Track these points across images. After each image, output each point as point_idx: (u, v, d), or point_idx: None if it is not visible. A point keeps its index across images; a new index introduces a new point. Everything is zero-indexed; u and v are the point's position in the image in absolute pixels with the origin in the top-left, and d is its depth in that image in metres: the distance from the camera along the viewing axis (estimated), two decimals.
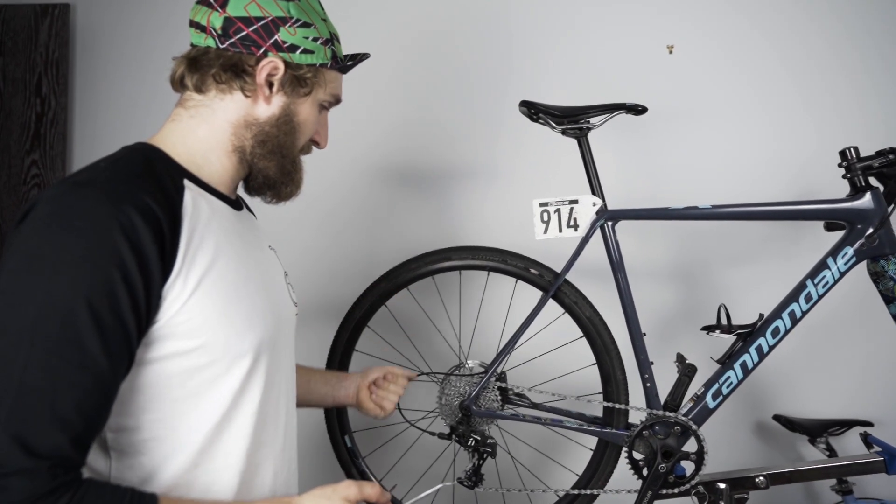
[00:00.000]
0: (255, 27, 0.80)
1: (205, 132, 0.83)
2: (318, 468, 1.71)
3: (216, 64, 0.80)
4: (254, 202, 0.98)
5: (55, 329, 0.63)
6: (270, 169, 0.86)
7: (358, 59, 0.93)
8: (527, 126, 1.49)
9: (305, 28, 0.83)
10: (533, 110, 1.39)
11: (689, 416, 1.37)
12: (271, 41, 0.81)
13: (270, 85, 0.83)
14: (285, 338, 0.90)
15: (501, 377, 1.45)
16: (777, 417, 1.71)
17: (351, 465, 1.49)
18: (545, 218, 1.40)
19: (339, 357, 1.48)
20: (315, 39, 0.85)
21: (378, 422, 1.56)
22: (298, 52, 0.83)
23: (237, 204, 0.90)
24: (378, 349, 1.65)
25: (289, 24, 0.82)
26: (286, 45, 0.82)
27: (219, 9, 0.80)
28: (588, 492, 1.41)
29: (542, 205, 1.40)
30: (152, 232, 0.68)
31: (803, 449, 1.76)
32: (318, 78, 0.87)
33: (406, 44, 1.89)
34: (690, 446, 1.36)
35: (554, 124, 1.39)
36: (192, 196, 0.77)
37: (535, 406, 1.46)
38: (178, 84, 0.84)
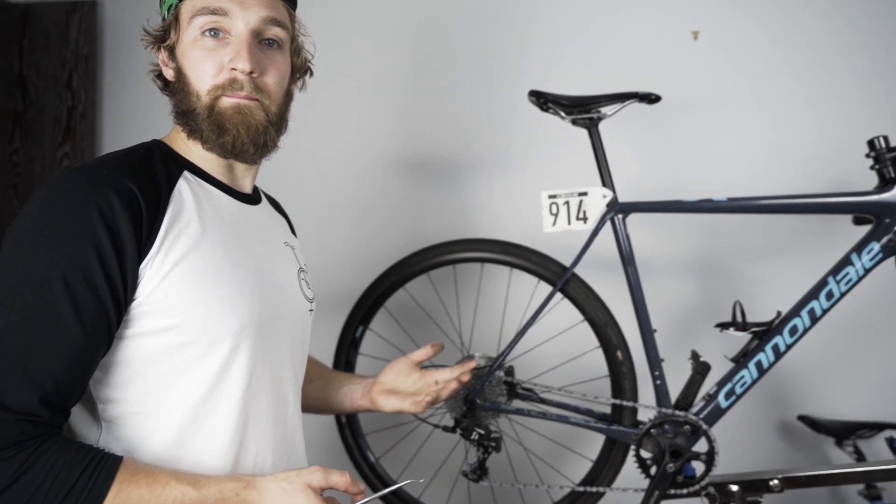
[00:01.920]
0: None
1: (178, 128, 0.88)
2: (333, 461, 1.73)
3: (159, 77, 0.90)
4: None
5: (32, 297, 0.68)
6: (205, 133, 0.83)
7: None
8: (537, 116, 1.46)
9: None
10: (542, 100, 1.36)
11: (700, 416, 1.32)
12: (153, 34, 0.88)
13: (165, 64, 0.87)
14: (287, 330, 0.90)
15: (509, 371, 1.44)
16: (802, 418, 1.64)
17: (357, 452, 1.50)
18: (554, 210, 1.37)
19: (346, 354, 1.49)
20: None
21: (389, 420, 1.57)
22: (162, 18, 0.87)
23: (250, 198, 0.92)
24: (378, 348, 1.66)
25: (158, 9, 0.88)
26: (158, 28, 0.87)
27: None
28: (594, 489, 1.38)
29: (550, 197, 1.37)
30: (129, 213, 0.72)
31: (830, 452, 1.68)
32: (180, 16, 0.84)
33: (415, 33, 1.88)
34: (702, 446, 1.32)
35: (564, 114, 1.36)
36: (185, 185, 0.81)
37: (543, 401, 1.44)
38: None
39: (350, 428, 1.49)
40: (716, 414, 1.33)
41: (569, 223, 1.36)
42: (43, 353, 0.68)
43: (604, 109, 1.34)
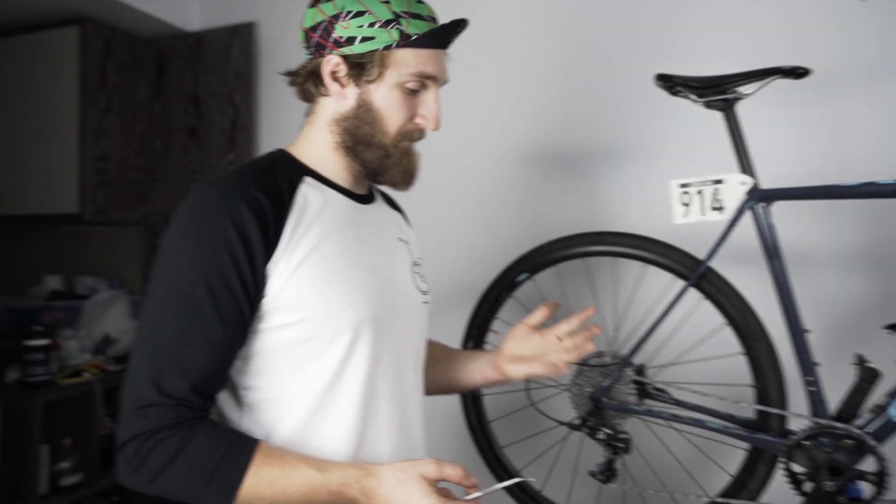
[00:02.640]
0: (318, 32, 0.88)
1: (316, 135, 0.93)
2: (458, 457, 1.77)
3: (304, 74, 0.91)
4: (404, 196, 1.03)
5: (181, 300, 0.78)
6: (368, 158, 0.90)
7: (447, 29, 0.88)
8: (665, 101, 1.37)
9: (359, 17, 0.86)
10: (670, 83, 1.28)
11: (867, 430, 1.16)
12: (331, 40, 0.87)
13: (338, 81, 0.89)
14: (403, 322, 0.95)
15: (639, 370, 1.37)
16: None
17: (489, 452, 1.52)
18: (685, 200, 1.28)
19: (475, 336, 1.52)
20: (372, 24, 0.85)
21: (513, 408, 1.58)
22: (357, 42, 0.86)
23: (365, 198, 0.98)
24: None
25: (342, 19, 0.86)
26: (343, 39, 0.86)
27: (301, 25, 0.91)
28: (737, 502, 1.28)
29: (681, 186, 1.28)
30: (257, 221, 0.80)
31: None
32: (387, 61, 0.86)
33: (536, 22, 1.85)
34: (870, 465, 1.16)
35: (695, 97, 1.26)
36: (307, 190, 0.88)
37: (677, 403, 1.36)
38: (302, 98, 0.96)
39: (477, 416, 1.51)
40: (888, 429, 1.16)
41: (703, 213, 1.26)
42: (192, 348, 0.77)
43: (741, 89, 1.22)
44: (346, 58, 0.87)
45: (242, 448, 0.77)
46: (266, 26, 2.32)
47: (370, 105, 0.88)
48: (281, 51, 2.29)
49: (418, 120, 0.90)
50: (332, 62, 0.88)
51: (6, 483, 1.96)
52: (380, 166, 0.91)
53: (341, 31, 0.86)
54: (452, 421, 1.73)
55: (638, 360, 1.38)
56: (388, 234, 0.99)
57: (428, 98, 0.90)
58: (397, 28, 0.86)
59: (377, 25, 0.86)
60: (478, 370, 1.14)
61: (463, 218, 1.93)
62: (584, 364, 1.41)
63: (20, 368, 2.02)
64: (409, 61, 0.87)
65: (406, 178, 0.92)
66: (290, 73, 0.95)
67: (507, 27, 1.89)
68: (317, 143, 0.93)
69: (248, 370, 0.85)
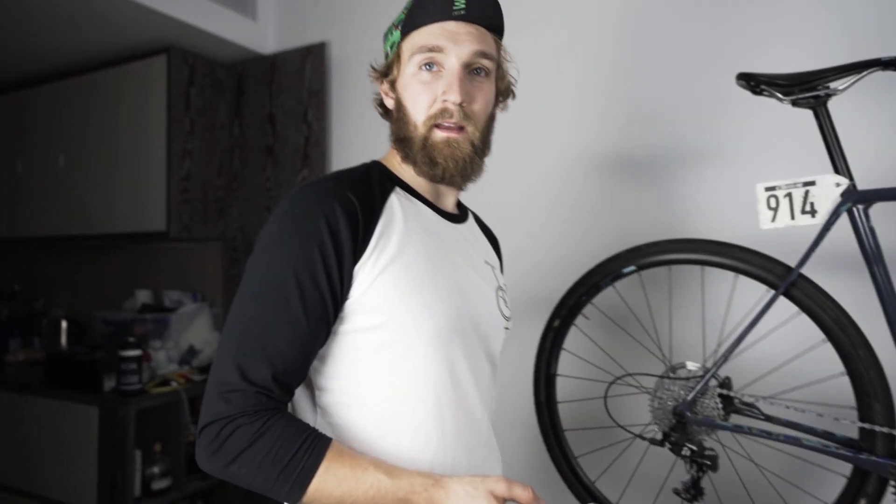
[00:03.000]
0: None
1: (393, 151, 0.98)
2: (531, 469, 1.74)
3: (377, 103, 1.01)
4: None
5: (272, 292, 0.80)
6: (418, 159, 0.92)
7: None
8: (748, 102, 1.31)
9: (388, 35, 0.96)
10: (753, 82, 1.22)
11: None
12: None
13: (388, 95, 0.97)
14: (481, 341, 0.94)
15: (725, 383, 1.31)
16: None
17: (564, 464, 1.49)
18: (773, 204, 1.21)
19: (548, 354, 1.49)
20: (392, 33, 0.94)
21: (592, 423, 1.54)
22: (385, 50, 0.96)
23: (455, 217, 1.01)
24: (584, 348, 1.62)
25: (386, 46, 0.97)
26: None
27: None
28: None
29: (768, 189, 1.22)
30: (349, 221, 0.82)
31: None
32: (399, 54, 0.92)
33: (613, 22, 1.81)
34: None
35: (782, 95, 1.20)
36: (397, 199, 0.91)
37: (769, 419, 1.28)
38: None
39: (552, 424, 1.49)
40: None
41: (792, 218, 1.19)
42: (277, 339, 0.78)
43: (834, 84, 1.15)
44: (381, 73, 0.96)
45: (317, 443, 0.78)
46: (337, 45, 2.39)
47: (400, 102, 0.93)
48: (351, 68, 2.35)
49: (441, 96, 0.89)
50: (380, 83, 0.97)
51: (105, 485, 2.08)
52: (428, 167, 0.91)
53: (379, 54, 0.97)
54: (526, 429, 1.71)
55: (725, 372, 1.32)
56: (474, 254, 1.00)
57: (445, 72, 0.89)
58: (404, 13, 0.92)
59: (393, 31, 0.94)
60: None
61: (530, 231, 1.92)
62: (665, 376, 1.36)
63: (116, 377, 2.15)
64: (414, 43, 0.90)
65: (457, 169, 0.90)
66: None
67: (571, 27, 1.87)
68: (396, 158, 0.97)
69: (325, 371, 0.87)
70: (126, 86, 2.52)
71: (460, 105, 0.88)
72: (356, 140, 2.35)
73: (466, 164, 0.91)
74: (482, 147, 0.94)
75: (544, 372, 1.50)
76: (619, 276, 1.41)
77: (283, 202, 0.85)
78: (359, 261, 0.83)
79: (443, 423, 0.88)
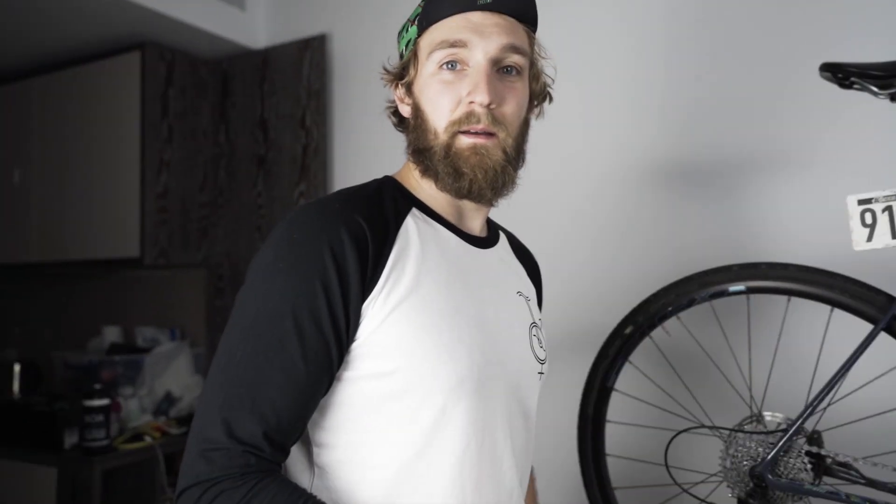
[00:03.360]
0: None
1: (411, 164, 0.98)
2: None
3: (391, 109, 1.03)
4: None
5: (266, 330, 0.79)
6: (440, 172, 0.92)
7: None
8: (834, 97, 1.31)
9: (402, 32, 0.98)
10: (842, 74, 1.22)
11: None
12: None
13: (403, 100, 0.98)
14: (511, 389, 0.93)
15: (814, 438, 1.28)
16: None
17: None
18: (868, 220, 1.20)
19: (596, 397, 1.48)
20: (407, 30, 0.96)
21: (644, 481, 1.52)
22: (400, 50, 0.98)
23: (481, 241, 1.00)
24: (642, 389, 1.61)
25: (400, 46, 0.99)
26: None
27: None
28: None
29: (862, 202, 1.21)
30: (357, 249, 0.82)
31: None
32: (417, 52, 0.94)
33: (667, 11, 1.82)
34: None
35: (877, 88, 1.20)
36: (413, 222, 0.91)
37: (871, 483, 1.26)
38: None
39: (599, 483, 1.48)
40: None
41: (893, 236, 1.18)
42: (270, 388, 0.78)
43: None
44: (395, 75, 0.98)
45: None
46: (339, 38, 2.43)
47: (418, 106, 0.93)
48: (356, 65, 2.39)
49: (466, 98, 0.89)
50: (396, 93, 0.99)
51: None
52: (452, 179, 0.91)
53: (397, 53, 0.99)
54: (567, 480, 1.69)
55: (813, 425, 1.30)
56: (504, 286, 1.00)
57: (470, 70, 0.89)
58: (420, 8, 0.94)
59: (409, 28, 0.95)
60: None
61: (573, 255, 1.92)
62: (738, 430, 1.34)
63: (79, 432, 2.17)
64: (433, 39, 0.91)
65: (486, 180, 0.90)
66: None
67: (619, 10, 1.89)
68: (413, 173, 0.97)
69: (324, 424, 0.86)
70: (94, 87, 2.58)
71: (489, 107, 0.88)
72: (362, 148, 2.38)
73: (497, 174, 0.90)
74: (515, 156, 0.93)
75: (599, 383, 1.49)
76: (722, 293, 1.39)
77: (280, 225, 0.85)
78: (368, 297, 0.83)
79: (463, 493, 0.86)
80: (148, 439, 2.24)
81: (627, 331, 1.48)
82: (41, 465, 2.16)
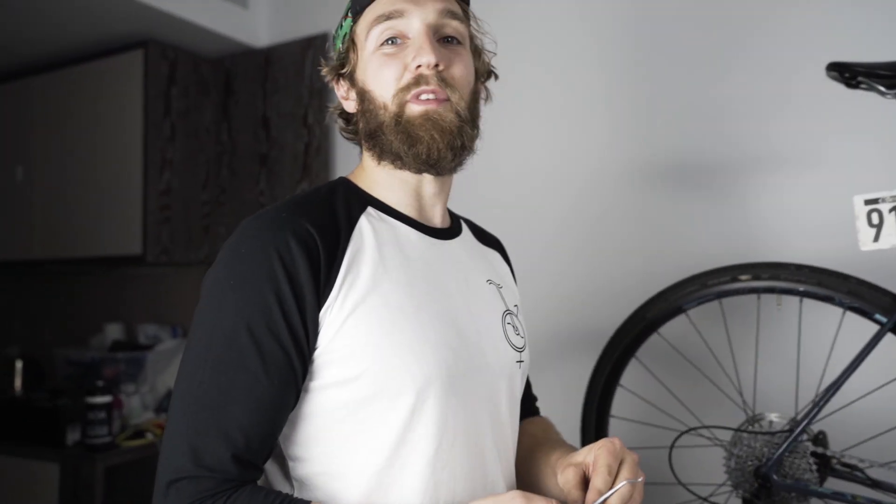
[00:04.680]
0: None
1: (365, 159, 0.96)
2: None
3: (337, 111, 1.01)
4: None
5: (223, 349, 0.77)
6: (394, 143, 0.88)
7: None
8: (840, 96, 1.30)
9: (338, 30, 0.96)
10: (848, 74, 1.21)
11: None
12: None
13: (347, 97, 0.95)
14: (487, 384, 0.91)
15: (819, 439, 1.27)
16: None
17: None
18: (875, 220, 1.19)
19: (600, 394, 1.48)
20: (341, 26, 0.94)
21: (648, 476, 1.51)
22: (337, 48, 0.95)
23: (444, 232, 0.97)
24: (646, 387, 1.60)
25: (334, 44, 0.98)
26: (335, 58, 0.96)
27: None
28: None
29: (869, 202, 1.20)
30: (307, 257, 0.79)
31: None
32: (354, 39, 0.91)
33: (670, 8, 1.81)
34: None
35: (884, 88, 1.19)
36: (367, 222, 0.88)
37: (876, 485, 1.25)
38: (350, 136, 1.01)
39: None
40: None
41: None
42: (234, 407, 0.76)
43: None
44: (335, 67, 0.95)
45: None
46: None
47: (363, 88, 0.90)
48: None
49: (410, 64, 0.86)
50: (339, 89, 0.96)
51: None
52: (408, 146, 0.87)
53: (334, 53, 0.96)
54: None
55: (821, 429, 1.29)
56: (472, 276, 0.97)
57: (412, 39, 0.87)
58: (351, 6, 0.92)
59: (342, 23, 0.94)
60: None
61: (569, 254, 1.91)
62: (742, 430, 1.33)
63: (81, 429, 2.16)
64: (367, 20, 0.89)
65: (444, 141, 0.86)
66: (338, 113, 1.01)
67: (627, 20, 1.87)
68: (368, 166, 0.94)
69: (296, 438, 0.84)
70: (96, 85, 2.56)
71: (437, 69, 0.85)
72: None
73: (455, 135, 0.86)
74: (470, 119, 0.90)
75: (605, 376, 1.48)
76: (732, 292, 1.37)
77: (228, 241, 0.83)
78: (325, 303, 0.80)
79: (436, 492, 0.84)
80: (150, 436, 2.23)
81: (635, 328, 1.46)
82: (43, 461, 2.15)
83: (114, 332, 2.80)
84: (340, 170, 2.41)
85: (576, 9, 1.94)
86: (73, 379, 2.55)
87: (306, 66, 2.44)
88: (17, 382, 2.82)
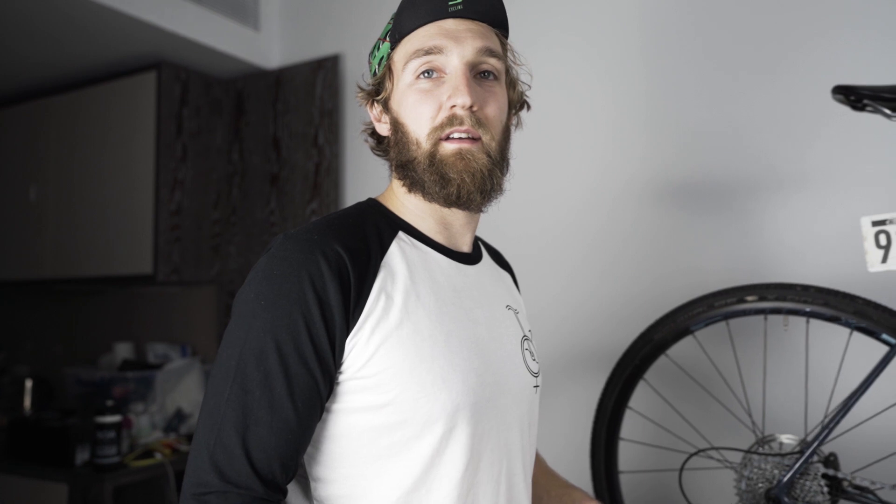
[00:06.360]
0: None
1: (395, 185, 0.97)
2: None
3: (368, 131, 1.03)
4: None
5: (251, 369, 0.79)
6: (426, 182, 0.90)
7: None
8: (848, 119, 1.32)
9: (374, 50, 0.98)
10: (854, 97, 1.22)
11: None
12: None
13: (380, 120, 0.97)
14: (511, 408, 0.93)
15: (830, 460, 1.27)
16: None
17: None
18: (882, 241, 1.20)
19: (609, 415, 1.48)
20: (379, 48, 0.96)
21: (656, 500, 1.51)
22: (373, 70, 0.98)
23: (468, 257, 0.99)
24: (655, 409, 1.60)
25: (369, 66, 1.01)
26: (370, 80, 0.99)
27: None
28: None
29: (877, 223, 1.21)
30: (338, 281, 0.81)
31: None
32: (391, 66, 0.93)
33: (678, 26, 1.84)
34: None
35: (889, 111, 1.20)
36: (399, 249, 0.89)
37: None
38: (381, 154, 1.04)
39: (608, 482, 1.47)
40: None
41: None
42: (260, 427, 0.78)
43: None
44: (370, 92, 0.97)
45: None
46: (352, 58, 2.46)
47: (398, 120, 0.92)
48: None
49: (446, 103, 0.88)
50: (370, 107, 0.98)
51: None
52: (439, 187, 0.89)
53: (369, 74, 0.99)
54: None
55: (832, 451, 1.29)
56: (495, 302, 0.98)
57: (448, 76, 0.89)
58: (389, 25, 0.95)
59: (380, 45, 0.96)
60: None
61: (576, 276, 1.92)
62: (752, 451, 1.33)
63: (90, 448, 2.17)
64: (406, 50, 0.91)
65: (475, 184, 0.88)
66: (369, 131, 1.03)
67: (619, 21, 1.90)
68: (399, 192, 0.95)
69: (319, 458, 0.86)
70: (110, 106, 2.61)
71: (471, 109, 0.88)
72: (375, 167, 2.38)
73: (485, 177, 0.89)
74: (500, 160, 0.92)
75: (614, 398, 1.48)
76: (739, 313, 1.38)
77: (260, 261, 0.84)
78: (353, 328, 0.81)
79: None
80: (158, 456, 2.24)
81: (643, 349, 1.48)
82: (52, 481, 2.16)
83: (123, 351, 2.82)
84: (350, 189, 2.44)
85: (587, 31, 1.97)
86: (83, 398, 2.57)
87: (317, 87, 2.47)
88: (27, 402, 2.85)
